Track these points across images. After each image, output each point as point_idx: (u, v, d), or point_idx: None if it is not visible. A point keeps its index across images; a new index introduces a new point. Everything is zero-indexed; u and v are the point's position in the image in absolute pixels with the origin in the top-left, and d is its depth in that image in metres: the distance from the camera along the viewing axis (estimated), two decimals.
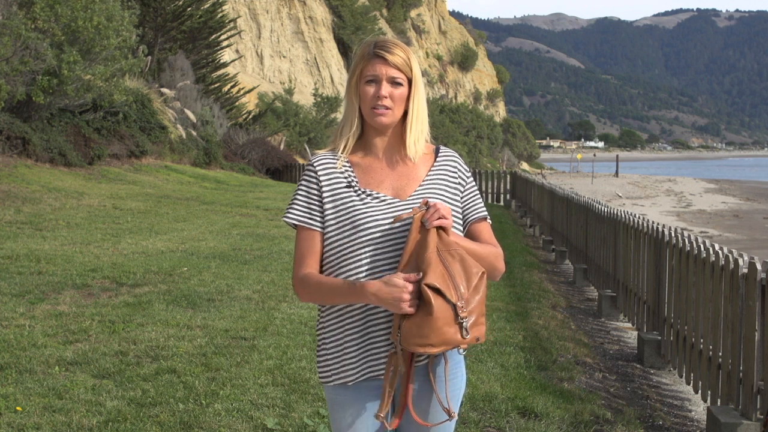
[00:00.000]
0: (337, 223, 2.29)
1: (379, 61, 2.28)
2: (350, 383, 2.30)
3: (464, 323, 2.13)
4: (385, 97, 2.28)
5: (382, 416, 2.23)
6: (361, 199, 2.29)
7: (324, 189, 2.32)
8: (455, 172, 2.40)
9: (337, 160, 2.35)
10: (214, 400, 4.87)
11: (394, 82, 2.29)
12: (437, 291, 2.12)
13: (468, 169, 2.45)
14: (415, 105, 2.32)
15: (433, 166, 2.38)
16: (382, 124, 2.31)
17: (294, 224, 2.34)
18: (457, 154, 2.45)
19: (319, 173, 2.33)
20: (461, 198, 2.40)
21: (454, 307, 2.13)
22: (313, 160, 2.37)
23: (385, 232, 2.26)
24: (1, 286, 7.86)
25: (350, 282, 2.22)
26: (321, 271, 2.33)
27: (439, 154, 2.41)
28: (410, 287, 2.12)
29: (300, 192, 2.35)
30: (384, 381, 2.24)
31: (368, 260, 2.25)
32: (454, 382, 2.35)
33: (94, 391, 4.97)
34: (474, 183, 2.45)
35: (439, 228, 2.19)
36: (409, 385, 2.26)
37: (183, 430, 4.43)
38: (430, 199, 2.26)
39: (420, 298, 2.14)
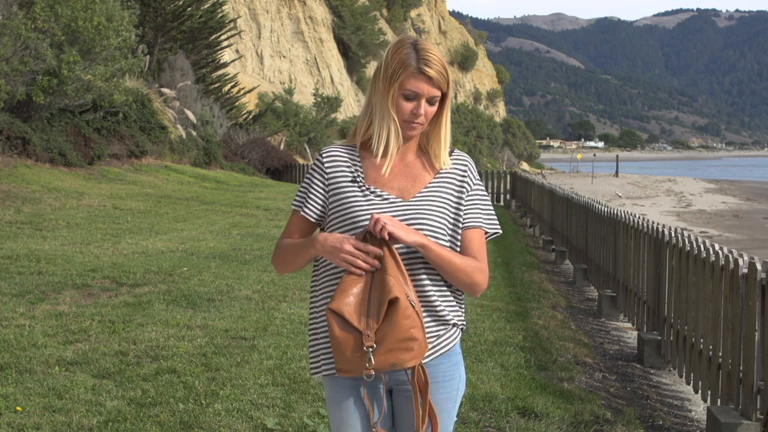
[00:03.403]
0: (339, 216, 2.31)
1: (424, 78, 2.25)
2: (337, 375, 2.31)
3: (369, 352, 2.12)
4: (422, 115, 2.28)
5: (377, 423, 2.26)
6: (364, 196, 2.29)
7: (329, 181, 2.34)
8: (463, 176, 2.38)
9: (353, 161, 2.35)
10: (214, 400, 4.87)
11: (430, 101, 2.29)
12: (341, 317, 2.13)
13: (477, 177, 2.42)
14: (445, 116, 2.34)
15: (442, 169, 2.37)
16: (411, 138, 2.34)
17: (293, 208, 2.40)
18: (469, 160, 2.43)
19: (326, 166, 2.35)
20: (463, 203, 2.37)
21: (360, 334, 2.13)
22: (323, 151, 2.38)
23: None
24: (1, 286, 7.86)
25: (311, 237, 2.28)
26: (321, 264, 2.35)
27: (450, 158, 2.39)
28: (353, 247, 2.15)
29: (305, 180, 2.39)
30: (362, 388, 2.26)
31: None
32: (451, 384, 2.35)
33: (94, 391, 4.97)
34: (481, 191, 2.41)
35: (391, 239, 2.17)
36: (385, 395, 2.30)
37: (183, 430, 4.43)
38: (373, 213, 2.22)
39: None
